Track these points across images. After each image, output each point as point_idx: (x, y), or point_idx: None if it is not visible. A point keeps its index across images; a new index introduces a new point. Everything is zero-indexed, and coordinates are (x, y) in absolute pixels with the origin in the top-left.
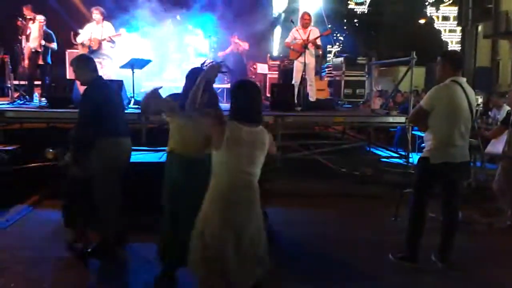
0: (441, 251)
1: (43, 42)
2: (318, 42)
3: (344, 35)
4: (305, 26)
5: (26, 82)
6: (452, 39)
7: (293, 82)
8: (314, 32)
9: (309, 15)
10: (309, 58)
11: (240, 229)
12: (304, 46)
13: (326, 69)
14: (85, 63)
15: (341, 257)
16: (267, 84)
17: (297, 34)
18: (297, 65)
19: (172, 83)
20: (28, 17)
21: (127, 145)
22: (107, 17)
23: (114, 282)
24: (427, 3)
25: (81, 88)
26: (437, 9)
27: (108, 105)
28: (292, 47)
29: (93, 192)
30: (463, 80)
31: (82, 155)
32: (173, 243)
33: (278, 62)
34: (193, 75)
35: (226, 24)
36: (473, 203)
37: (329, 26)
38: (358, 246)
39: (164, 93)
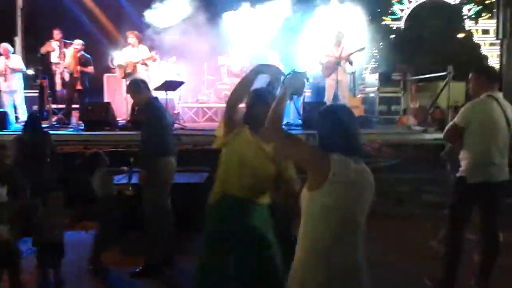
0: (480, 275)
1: (78, 68)
2: (351, 58)
3: (379, 51)
4: (338, 43)
5: (65, 106)
6: (493, 52)
7: (325, 99)
8: (347, 49)
9: (342, 32)
10: (342, 75)
11: None
12: (337, 63)
13: (361, 86)
14: (137, 86)
15: (376, 281)
16: (300, 102)
17: (329, 51)
18: (330, 83)
19: (206, 104)
20: (56, 40)
21: (175, 165)
22: (143, 40)
23: None
24: (465, 17)
25: (117, 111)
26: (476, 22)
27: (165, 124)
28: (324, 64)
29: (144, 211)
30: (499, 94)
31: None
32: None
33: (311, 80)
34: (259, 99)
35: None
36: None
37: (364, 44)
38: (393, 269)
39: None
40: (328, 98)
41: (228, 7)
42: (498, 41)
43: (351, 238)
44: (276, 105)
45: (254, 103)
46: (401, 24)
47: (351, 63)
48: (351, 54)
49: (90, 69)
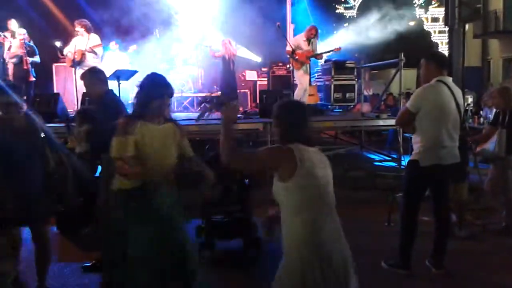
0: (434, 256)
1: (29, 59)
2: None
3: (333, 39)
4: (310, 38)
5: None
6: (442, 40)
7: (297, 90)
8: (314, 43)
9: (316, 30)
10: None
11: (342, 270)
12: (309, 57)
13: (316, 74)
14: (96, 75)
15: None
16: (257, 91)
17: (303, 45)
18: (301, 74)
19: None
20: (10, 31)
21: None
22: (93, 30)
23: None
24: (416, 5)
25: (67, 102)
26: (426, 10)
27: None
28: (296, 57)
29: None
30: (449, 79)
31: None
32: None
33: (267, 69)
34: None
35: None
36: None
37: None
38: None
39: None
40: (300, 89)
41: None
42: (447, 28)
43: (332, 215)
44: (223, 138)
45: (150, 96)
46: (353, 12)
47: (321, 59)
48: (327, 52)
49: (36, 57)
